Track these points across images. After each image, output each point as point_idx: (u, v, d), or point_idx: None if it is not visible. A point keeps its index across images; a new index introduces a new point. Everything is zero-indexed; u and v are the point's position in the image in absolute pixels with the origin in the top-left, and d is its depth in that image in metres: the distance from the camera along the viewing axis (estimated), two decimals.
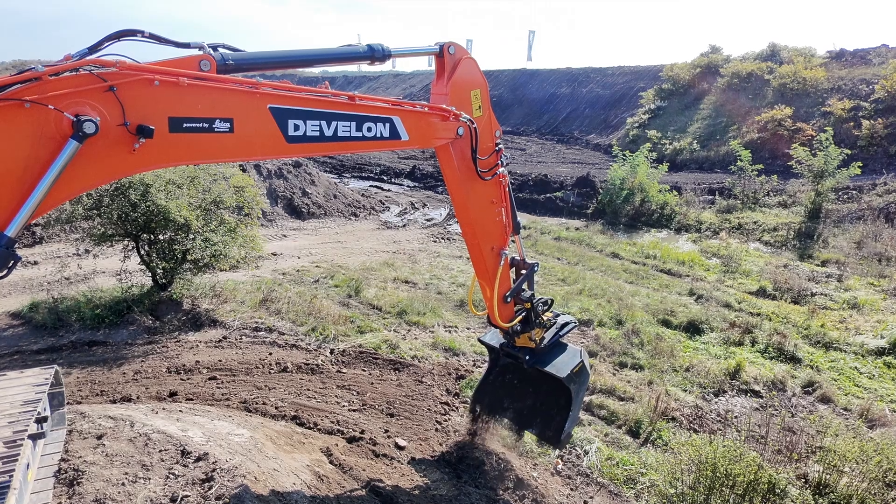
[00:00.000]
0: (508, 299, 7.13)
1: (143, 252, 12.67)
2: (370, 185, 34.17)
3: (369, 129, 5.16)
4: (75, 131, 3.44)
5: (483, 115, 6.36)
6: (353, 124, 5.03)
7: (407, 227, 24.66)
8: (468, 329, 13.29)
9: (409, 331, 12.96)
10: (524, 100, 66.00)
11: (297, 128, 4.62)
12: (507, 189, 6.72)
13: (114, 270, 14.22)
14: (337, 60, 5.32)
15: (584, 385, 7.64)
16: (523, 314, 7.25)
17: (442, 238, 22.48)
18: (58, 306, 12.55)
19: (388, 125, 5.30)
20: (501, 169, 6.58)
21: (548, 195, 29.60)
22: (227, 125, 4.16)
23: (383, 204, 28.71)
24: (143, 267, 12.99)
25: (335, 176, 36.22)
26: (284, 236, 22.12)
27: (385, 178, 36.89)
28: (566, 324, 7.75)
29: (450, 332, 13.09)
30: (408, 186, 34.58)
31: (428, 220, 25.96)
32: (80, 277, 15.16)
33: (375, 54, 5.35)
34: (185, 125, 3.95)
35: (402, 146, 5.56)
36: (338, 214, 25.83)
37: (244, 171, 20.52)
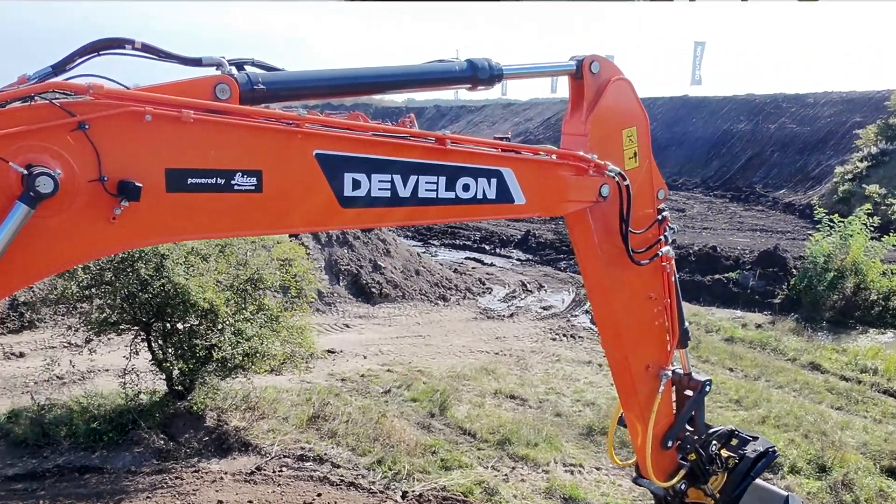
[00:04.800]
0: (669, 444, 6.62)
1: (155, 347, 12.98)
2: (466, 258, 34.48)
3: (466, 188, 4.81)
4: (25, 189, 3.21)
5: (640, 167, 5.92)
6: (443, 180, 4.69)
7: (515, 317, 24.48)
8: (598, 469, 12.85)
9: (513, 469, 12.67)
10: (685, 139, 65.73)
11: (357, 185, 4.30)
12: (672, 278, 6.22)
13: (119, 368, 14.66)
14: (423, 83, 5.04)
15: None
16: (688, 467, 6.73)
17: (564, 334, 22.18)
18: (44, 416, 12.93)
19: (494, 181, 4.93)
20: (665, 248, 6.03)
21: (716, 276, 28.88)
22: (253, 181, 3.90)
23: (483, 284, 28.76)
24: (156, 366, 13.26)
25: (419, 244, 36.86)
26: (346, 326, 22.40)
27: (487, 247, 37.20)
28: (762, 456, 7.13)
29: (572, 472, 12.70)
30: (518, 260, 34.63)
31: (545, 309, 25.72)
32: (77, 377, 15.72)
33: (479, 74, 4.97)
34: (189, 181, 3.71)
35: (515, 213, 5.19)
36: (420, 297, 26.02)
37: (295, 236, 20.95)
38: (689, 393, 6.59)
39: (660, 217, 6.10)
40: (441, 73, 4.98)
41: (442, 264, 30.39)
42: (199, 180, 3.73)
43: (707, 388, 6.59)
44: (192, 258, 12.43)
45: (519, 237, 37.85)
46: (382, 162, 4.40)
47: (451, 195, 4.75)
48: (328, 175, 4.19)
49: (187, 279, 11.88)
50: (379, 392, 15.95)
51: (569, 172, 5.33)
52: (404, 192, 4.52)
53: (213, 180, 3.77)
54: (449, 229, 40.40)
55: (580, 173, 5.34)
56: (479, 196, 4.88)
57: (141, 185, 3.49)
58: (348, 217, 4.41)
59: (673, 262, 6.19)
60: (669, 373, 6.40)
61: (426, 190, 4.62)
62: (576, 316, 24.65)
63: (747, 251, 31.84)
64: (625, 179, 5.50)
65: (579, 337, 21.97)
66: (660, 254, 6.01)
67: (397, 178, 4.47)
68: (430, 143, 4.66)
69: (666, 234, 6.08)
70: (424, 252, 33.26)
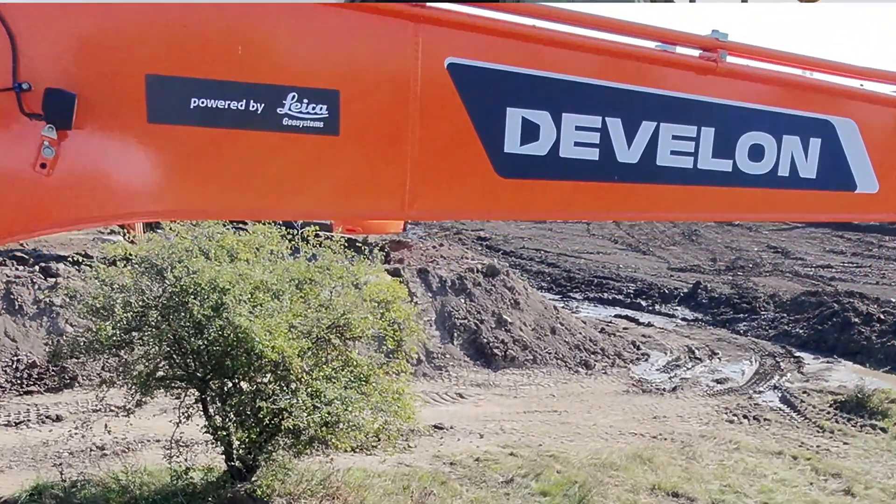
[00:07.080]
0: None
1: (212, 410, 12.71)
2: (616, 315, 34.17)
3: (757, 154, 3.41)
4: None
5: None
6: (710, 134, 3.30)
7: (679, 391, 24.12)
8: None
9: None
10: None
11: (531, 132, 3.03)
12: None
13: (170, 436, 14.56)
14: None
15: None
16: None
17: (745, 416, 21.66)
18: (73, 495, 12.84)
19: (818, 144, 3.51)
20: None
21: None
22: (322, 112, 2.77)
23: (638, 348, 28.42)
24: (212, 436, 12.89)
25: (556, 295, 36.58)
26: (460, 396, 22.11)
27: (643, 303, 36.75)
28: None
29: None
30: (683, 320, 34.23)
31: (718, 382, 25.28)
32: (121, 447, 15.72)
33: None
34: (193, 103, 2.64)
35: (853, 211, 3.93)
36: (555, 362, 25.63)
37: (396, 275, 20.64)
38: None
39: None
40: None
41: (585, 322, 29.98)
42: (211, 103, 2.64)
43: None
44: (261, 295, 12.13)
45: (685, 291, 37.26)
46: (585, 89, 3.07)
47: (725, 166, 3.38)
48: (472, 109, 2.95)
49: (251, 321, 11.45)
50: (498, 482, 15.59)
51: None
52: (627, 155, 3.21)
53: (240, 105, 2.67)
54: (595, 278, 39.96)
55: None
56: (783, 172, 3.47)
57: (75, 94, 2.44)
58: (508, 196, 3.17)
59: None
60: None
61: (673, 152, 3.29)
62: (760, 392, 24.01)
63: None
64: None
65: (765, 420, 21.33)
66: None
67: (614, 125, 3.16)
68: (691, 58, 3.28)
69: None
70: (563, 306, 32.86)
